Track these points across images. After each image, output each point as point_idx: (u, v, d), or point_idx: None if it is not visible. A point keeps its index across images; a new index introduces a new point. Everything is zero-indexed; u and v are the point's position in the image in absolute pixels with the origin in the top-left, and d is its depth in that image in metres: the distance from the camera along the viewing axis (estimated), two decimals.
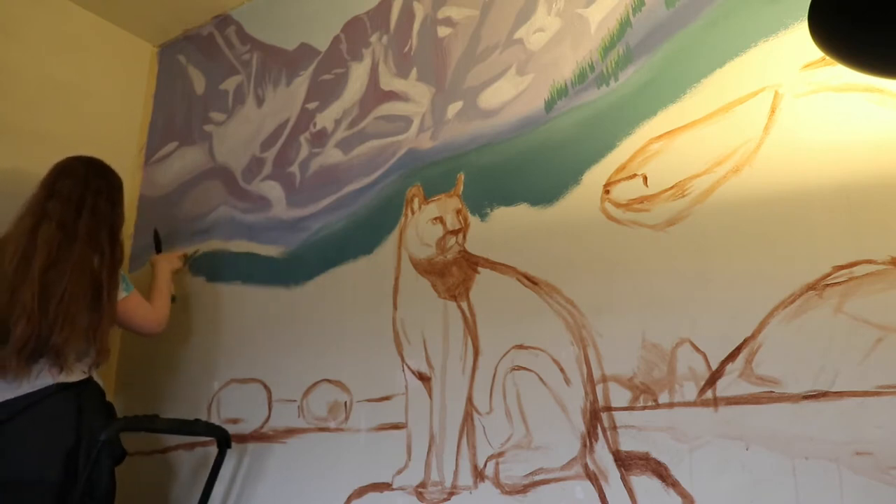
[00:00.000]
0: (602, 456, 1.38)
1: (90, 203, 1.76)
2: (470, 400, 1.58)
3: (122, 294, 1.79)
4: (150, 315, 1.90)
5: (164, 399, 2.13)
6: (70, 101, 2.37)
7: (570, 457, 1.42)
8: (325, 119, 2.11)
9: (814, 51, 1.25)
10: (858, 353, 1.18)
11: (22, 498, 1.55)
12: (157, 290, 2.02)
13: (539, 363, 1.51)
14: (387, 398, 1.71)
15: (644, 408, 1.36)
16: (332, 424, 1.78)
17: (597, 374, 1.43)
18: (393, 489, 1.63)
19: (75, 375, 1.67)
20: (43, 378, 1.63)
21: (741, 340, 1.29)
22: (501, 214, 1.66)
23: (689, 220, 1.41)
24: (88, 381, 1.70)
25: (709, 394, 1.30)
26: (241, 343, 2.04)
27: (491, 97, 1.77)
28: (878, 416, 1.14)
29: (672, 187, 1.44)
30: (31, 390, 1.61)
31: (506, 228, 1.64)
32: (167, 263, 2.12)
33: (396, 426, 1.67)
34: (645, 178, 1.48)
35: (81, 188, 1.77)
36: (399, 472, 1.63)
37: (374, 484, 1.66)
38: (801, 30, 1.34)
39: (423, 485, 1.59)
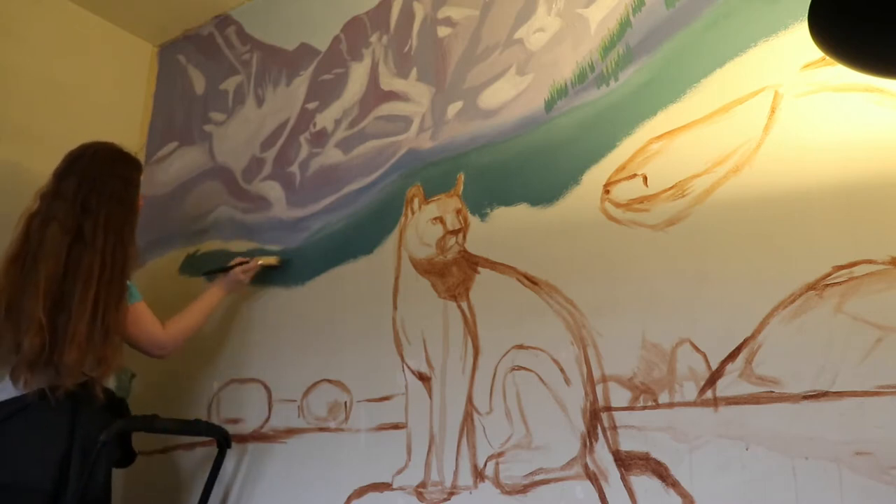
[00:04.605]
0: (602, 456, 1.38)
1: (94, 202, 1.66)
2: (470, 400, 1.58)
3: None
4: (154, 333, 1.75)
5: (165, 399, 2.12)
6: (70, 101, 2.37)
7: (570, 457, 1.42)
8: (325, 119, 2.11)
9: (814, 51, 1.24)
10: (858, 353, 1.18)
11: (14, 502, 1.51)
12: (188, 309, 1.86)
13: (539, 363, 1.51)
14: (387, 398, 1.71)
15: (644, 408, 1.36)
16: (332, 424, 1.78)
17: (597, 374, 1.43)
18: (393, 489, 1.63)
19: (73, 378, 1.59)
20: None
21: (741, 340, 1.29)
22: (501, 214, 1.66)
23: (689, 220, 1.41)
24: (86, 384, 1.61)
25: (709, 394, 1.30)
26: (241, 343, 2.04)
27: (491, 97, 1.77)
28: (878, 416, 1.14)
29: (672, 187, 1.44)
30: (24, 392, 1.56)
31: (506, 228, 1.64)
32: (223, 284, 1.94)
33: (396, 426, 1.67)
34: (645, 178, 1.48)
35: (87, 188, 1.68)
36: (399, 472, 1.63)
37: (374, 484, 1.66)
38: (801, 30, 1.33)
39: (423, 485, 1.59)
